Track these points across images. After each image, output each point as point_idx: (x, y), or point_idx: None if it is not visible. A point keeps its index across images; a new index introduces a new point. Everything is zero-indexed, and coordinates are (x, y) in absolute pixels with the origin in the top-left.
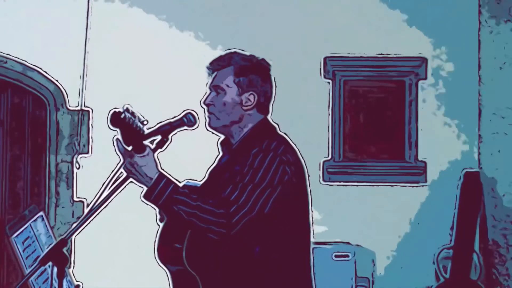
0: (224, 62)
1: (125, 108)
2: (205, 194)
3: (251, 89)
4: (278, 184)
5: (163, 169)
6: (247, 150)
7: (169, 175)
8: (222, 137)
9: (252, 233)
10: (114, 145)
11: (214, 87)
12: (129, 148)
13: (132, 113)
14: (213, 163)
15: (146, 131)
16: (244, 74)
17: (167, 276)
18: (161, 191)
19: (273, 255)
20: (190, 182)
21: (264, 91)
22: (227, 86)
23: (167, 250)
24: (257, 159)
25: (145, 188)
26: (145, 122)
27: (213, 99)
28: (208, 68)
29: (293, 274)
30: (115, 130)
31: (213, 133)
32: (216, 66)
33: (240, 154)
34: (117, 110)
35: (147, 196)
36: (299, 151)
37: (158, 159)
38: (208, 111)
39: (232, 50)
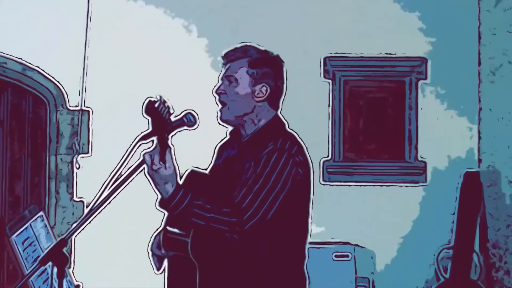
0: (239, 54)
1: (159, 97)
2: (217, 190)
3: (264, 81)
4: (291, 186)
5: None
6: (259, 144)
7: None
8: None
9: (260, 231)
10: (145, 158)
11: (227, 77)
12: (155, 143)
13: (164, 103)
14: (219, 153)
15: (157, 106)
16: (258, 66)
17: (162, 260)
18: (177, 204)
19: (275, 252)
20: (196, 169)
21: (277, 85)
22: (241, 76)
23: (172, 236)
24: (271, 159)
25: (160, 197)
26: (171, 111)
27: (225, 88)
28: (222, 58)
29: (290, 270)
30: (146, 118)
31: (225, 126)
32: (230, 57)
33: (252, 148)
34: (152, 99)
35: (162, 206)
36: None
37: (178, 167)
38: (219, 100)
39: (248, 43)
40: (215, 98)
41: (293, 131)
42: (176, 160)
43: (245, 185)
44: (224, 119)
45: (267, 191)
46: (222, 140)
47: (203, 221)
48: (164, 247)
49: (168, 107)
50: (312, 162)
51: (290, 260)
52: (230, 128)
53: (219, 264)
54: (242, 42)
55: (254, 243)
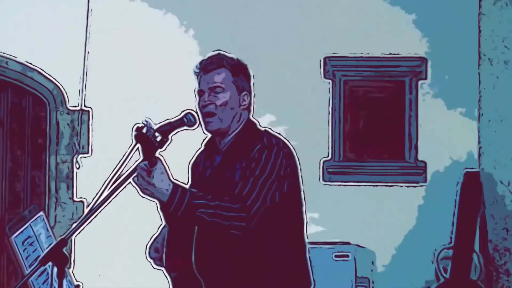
0: (215, 64)
1: (146, 122)
2: (214, 193)
3: (244, 88)
4: (284, 176)
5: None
6: (244, 147)
7: (178, 181)
8: (208, 137)
9: (262, 225)
10: (138, 172)
11: (212, 89)
12: (145, 163)
13: (151, 127)
14: (197, 164)
15: (146, 132)
16: (237, 75)
17: (168, 282)
18: (179, 201)
19: (278, 244)
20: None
21: (251, 90)
22: (227, 85)
23: (175, 257)
24: (263, 154)
25: (161, 201)
26: (156, 134)
27: (212, 99)
28: (198, 69)
29: (294, 262)
30: (136, 145)
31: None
32: (207, 67)
33: (237, 153)
34: (140, 125)
35: (165, 208)
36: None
37: (169, 168)
38: (208, 112)
39: (217, 52)
40: (200, 111)
41: (268, 128)
42: (168, 168)
43: (241, 179)
44: (214, 129)
45: (264, 180)
46: (192, 158)
47: (210, 210)
48: (167, 270)
49: (153, 129)
50: (300, 160)
51: (292, 251)
52: (208, 138)
53: (224, 275)
54: (216, 50)
55: (259, 238)
